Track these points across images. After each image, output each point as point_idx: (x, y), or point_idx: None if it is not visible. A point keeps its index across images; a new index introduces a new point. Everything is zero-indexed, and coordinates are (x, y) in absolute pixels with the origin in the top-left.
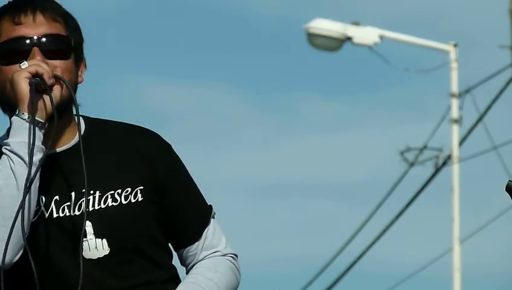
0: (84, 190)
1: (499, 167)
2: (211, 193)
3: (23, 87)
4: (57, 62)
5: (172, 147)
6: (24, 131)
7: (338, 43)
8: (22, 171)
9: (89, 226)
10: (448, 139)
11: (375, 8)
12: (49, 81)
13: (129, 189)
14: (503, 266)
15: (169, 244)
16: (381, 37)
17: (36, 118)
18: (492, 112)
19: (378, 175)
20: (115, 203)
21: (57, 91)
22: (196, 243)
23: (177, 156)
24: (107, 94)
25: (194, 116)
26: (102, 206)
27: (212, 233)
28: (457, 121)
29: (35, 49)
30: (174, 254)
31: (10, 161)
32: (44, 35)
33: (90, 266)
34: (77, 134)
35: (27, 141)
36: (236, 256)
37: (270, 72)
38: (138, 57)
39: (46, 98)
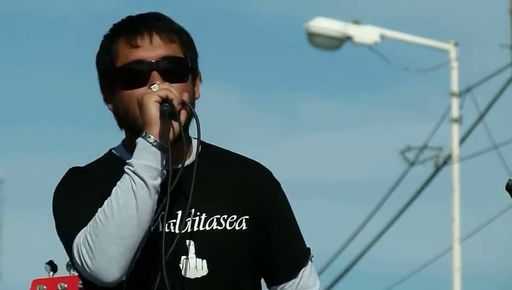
0: (191, 210)
1: (499, 166)
2: None
3: (153, 111)
4: (176, 85)
5: (281, 186)
6: (149, 155)
7: (338, 42)
8: (143, 194)
9: (191, 245)
10: (449, 139)
11: (376, 7)
12: (178, 107)
13: (235, 216)
14: (503, 265)
15: (262, 281)
16: (382, 36)
17: (161, 142)
18: (493, 111)
19: (378, 174)
20: (219, 227)
21: (183, 116)
22: (292, 281)
23: (285, 194)
24: None
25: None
26: (207, 228)
27: (309, 274)
28: (458, 120)
29: (155, 73)
30: None
31: (132, 181)
32: (162, 58)
33: (187, 284)
34: (192, 155)
35: (151, 165)
36: None
37: (270, 71)
38: None
39: (174, 123)
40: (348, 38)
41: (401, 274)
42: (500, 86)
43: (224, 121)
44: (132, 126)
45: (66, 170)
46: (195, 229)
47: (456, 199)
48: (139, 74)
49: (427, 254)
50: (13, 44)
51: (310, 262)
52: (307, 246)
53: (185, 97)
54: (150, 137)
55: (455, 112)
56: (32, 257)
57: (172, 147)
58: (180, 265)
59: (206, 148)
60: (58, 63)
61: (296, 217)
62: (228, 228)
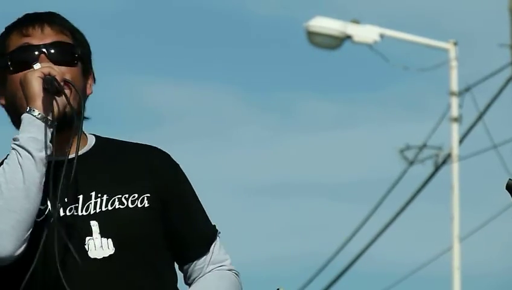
0: (92, 193)
1: (498, 165)
2: (210, 192)
3: (35, 85)
4: (64, 68)
5: (180, 167)
6: (34, 127)
7: (338, 41)
8: (30, 166)
9: (95, 226)
10: (448, 138)
11: (375, 6)
12: (61, 84)
13: (136, 195)
14: (503, 264)
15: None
16: (381, 36)
17: (45, 115)
18: (492, 111)
19: (377, 174)
20: (121, 206)
21: (68, 93)
22: (204, 257)
23: (184, 174)
24: (104, 93)
25: (192, 115)
26: (110, 208)
27: (219, 249)
28: (457, 119)
29: (43, 56)
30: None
31: (18, 155)
32: (51, 43)
33: (95, 264)
34: (87, 144)
35: (36, 137)
36: (239, 275)
37: (269, 71)
38: (136, 56)
39: (58, 99)
40: (348, 37)
41: (400, 274)
42: (500, 85)
43: (222, 120)
44: (20, 112)
45: None
46: (98, 210)
47: (455, 198)
48: (26, 57)
49: (426, 253)
50: None
51: (218, 238)
52: (213, 224)
53: (69, 77)
54: (33, 111)
55: (454, 111)
56: None
57: (63, 133)
58: (86, 246)
59: (102, 139)
60: None
61: (199, 198)
62: (130, 206)
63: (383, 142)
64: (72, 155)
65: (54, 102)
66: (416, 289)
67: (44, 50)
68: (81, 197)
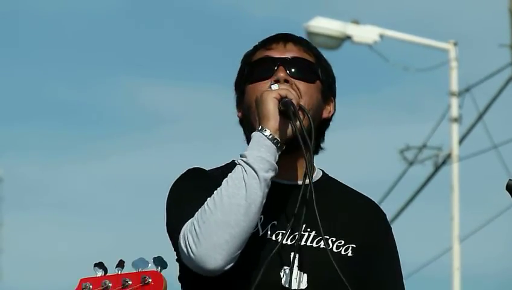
0: (303, 225)
1: (498, 165)
2: None
3: (271, 105)
4: (300, 83)
5: (392, 230)
6: (263, 147)
7: (338, 41)
8: (254, 185)
9: (295, 258)
10: (448, 138)
11: (375, 6)
12: (296, 108)
13: (343, 241)
14: (503, 265)
15: None
16: (381, 36)
17: (277, 137)
18: (492, 111)
19: (377, 174)
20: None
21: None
22: None
23: (394, 238)
24: (103, 95)
25: (190, 117)
26: (314, 245)
27: None
28: (457, 119)
29: (281, 67)
30: None
31: (244, 171)
32: (291, 58)
33: None
34: (314, 175)
35: (264, 157)
36: None
37: None
38: (135, 58)
39: (292, 124)
40: (348, 37)
41: None
42: (500, 85)
43: (221, 122)
44: (252, 128)
45: (186, 169)
46: (303, 243)
47: (455, 199)
48: (265, 67)
49: (426, 253)
50: (11, 45)
51: None
52: None
53: (305, 102)
54: (265, 130)
55: (454, 112)
56: (32, 256)
57: (291, 157)
58: (281, 274)
59: (327, 177)
60: (56, 63)
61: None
62: (335, 250)
63: (383, 143)
64: (292, 182)
65: (289, 126)
66: (416, 289)
67: (282, 62)
68: (289, 224)
